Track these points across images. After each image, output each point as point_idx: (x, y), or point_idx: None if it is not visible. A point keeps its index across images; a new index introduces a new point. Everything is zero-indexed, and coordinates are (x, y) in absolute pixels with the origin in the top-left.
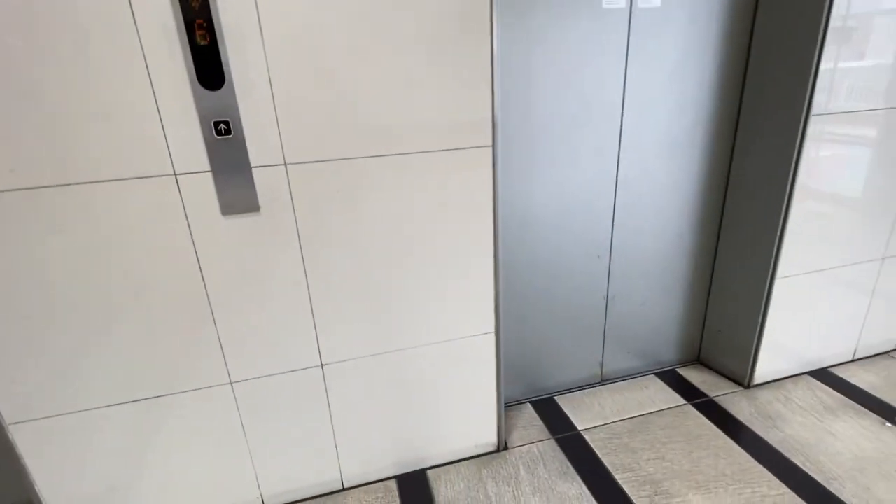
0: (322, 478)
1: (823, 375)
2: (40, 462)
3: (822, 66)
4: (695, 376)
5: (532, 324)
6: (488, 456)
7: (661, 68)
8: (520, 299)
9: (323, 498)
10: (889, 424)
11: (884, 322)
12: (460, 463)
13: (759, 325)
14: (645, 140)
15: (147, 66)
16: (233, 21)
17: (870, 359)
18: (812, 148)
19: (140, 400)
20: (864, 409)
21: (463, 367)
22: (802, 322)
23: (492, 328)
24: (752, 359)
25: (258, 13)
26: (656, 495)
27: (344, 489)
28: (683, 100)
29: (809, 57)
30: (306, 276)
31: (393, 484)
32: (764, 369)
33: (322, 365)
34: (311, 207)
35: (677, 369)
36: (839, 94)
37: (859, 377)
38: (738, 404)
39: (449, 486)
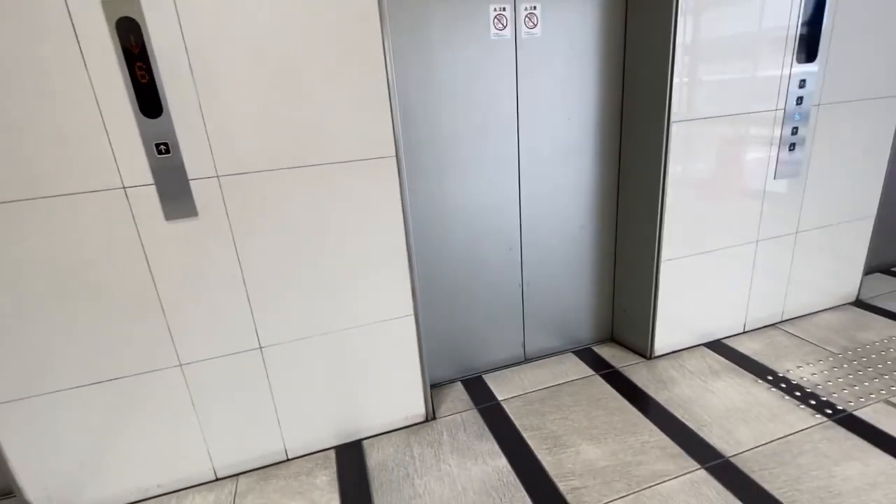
0: (268, 450)
1: (716, 346)
2: (14, 444)
3: (675, 82)
4: (606, 352)
5: (457, 311)
6: (417, 426)
7: (547, 86)
8: (444, 289)
9: (269, 468)
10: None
11: (766, 297)
12: (392, 433)
13: (653, 303)
14: (541, 147)
15: (97, 100)
16: (167, 63)
17: (758, 330)
18: (676, 149)
19: (101, 382)
20: (743, 370)
21: (388, 347)
22: (692, 299)
23: (411, 312)
24: (650, 333)
25: (188, 58)
26: (555, 447)
27: (288, 459)
28: (570, 112)
29: (664, 74)
30: (241, 270)
31: (332, 453)
32: (662, 342)
33: (261, 348)
34: (242, 211)
35: (592, 347)
36: (692, 104)
37: (746, 346)
38: (639, 373)
39: (380, 452)
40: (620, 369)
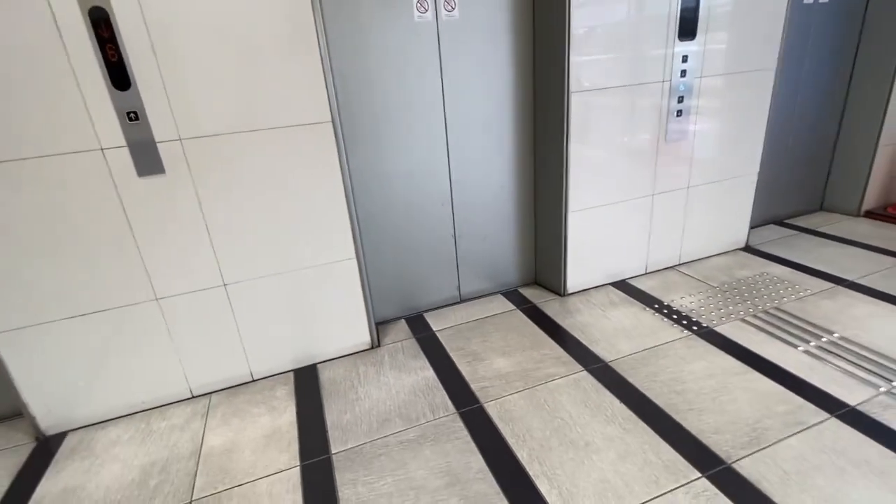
0: (235, 372)
1: (620, 284)
2: (19, 367)
3: (572, 59)
4: (529, 292)
5: (400, 258)
6: (364, 352)
7: (467, 64)
8: (387, 239)
9: (237, 387)
10: None
11: (664, 243)
12: (342, 358)
13: (563, 249)
14: (464, 119)
15: (76, 77)
16: (133, 44)
17: (658, 272)
18: (577, 116)
19: (90, 314)
20: (637, 301)
21: (335, 285)
22: (598, 245)
23: (353, 255)
24: (563, 274)
25: (150, 39)
26: (474, 361)
27: (253, 380)
28: (489, 88)
29: (562, 53)
30: (204, 218)
31: (291, 375)
32: (574, 281)
33: (224, 285)
34: (203, 168)
35: (518, 289)
36: (586, 77)
37: (644, 283)
38: (552, 306)
39: (331, 371)
40: (538, 304)
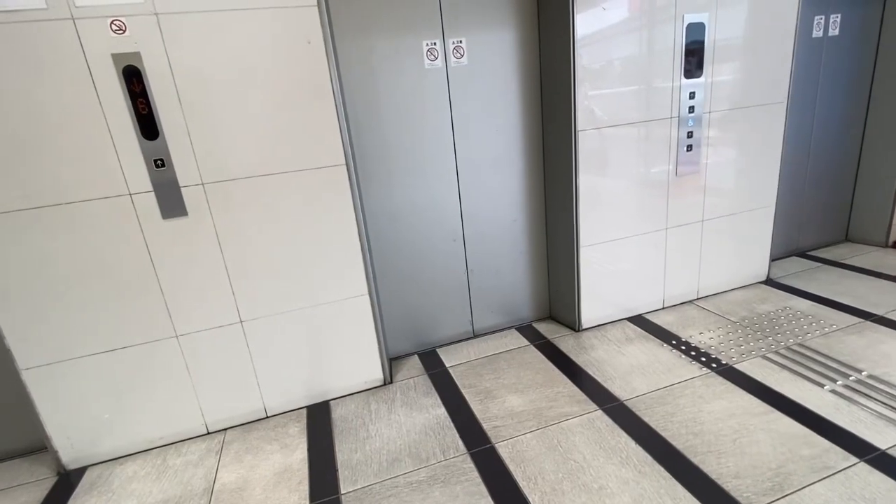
0: (250, 408)
1: (637, 319)
2: (44, 401)
3: (578, 97)
4: (544, 327)
5: (412, 294)
6: (376, 389)
7: (476, 105)
8: (399, 276)
9: (252, 423)
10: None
11: (680, 278)
12: (355, 394)
13: (577, 283)
14: (474, 157)
15: (108, 128)
16: (161, 98)
17: (675, 306)
18: (585, 153)
19: (113, 350)
20: (653, 337)
21: (348, 321)
22: (612, 280)
23: (365, 291)
24: (577, 309)
25: (178, 94)
26: (486, 398)
27: (267, 417)
28: (498, 126)
29: (568, 91)
30: (223, 257)
31: (304, 411)
32: (588, 316)
33: (241, 321)
34: (223, 211)
35: (533, 323)
36: (593, 114)
37: (661, 318)
38: (567, 342)
39: (343, 408)
40: (552, 340)
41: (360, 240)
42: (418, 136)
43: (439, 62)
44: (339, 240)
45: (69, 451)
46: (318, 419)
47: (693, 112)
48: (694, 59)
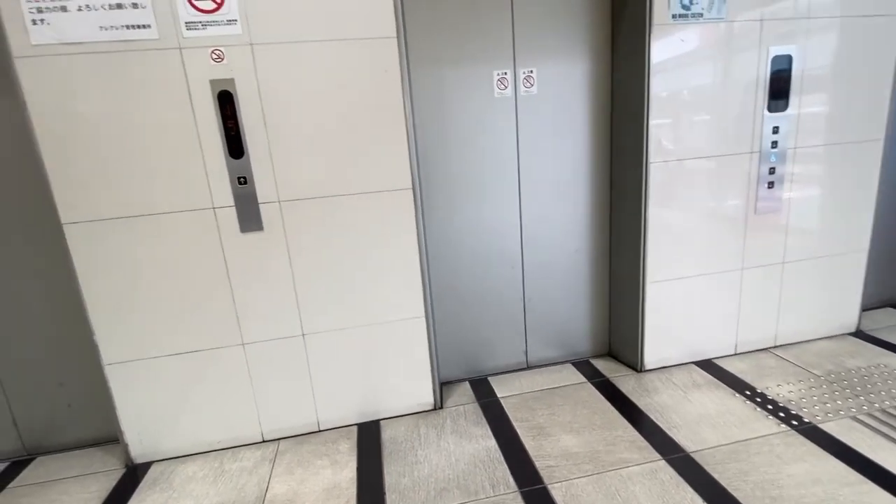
0: (304, 420)
1: (705, 364)
2: (121, 396)
3: (651, 127)
4: (602, 364)
5: (467, 320)
6: (426, 413)
7: (543, 133)
8: (455, 300)
9: (304, 435)
10: None
11: (756, 322)
12: (405, 416)
13: (641, 321)
14: (538, 185)
15: (201, 145)
16: (249, 120)
17: (749, 353)
18: (655, 186)
19: (184, 353)
20: (724, 385)
21: (403, 342)
22: (679, 319)
23: (422, 314)
24: (640, 348)
25: (264, 117)
26: (539, 435)
27: (320, 431)
28: (564, 153)
29: (641, 121)
30: (292, 272)
31: (354, 428)
32: (652, 357)
33: (303, 334)
34: (295, 227)
35: (590, 359)
36: (666, 145)
37: (733, 365)
38: (627, 382)
39: (393, 429)
40: (611, 378)
41: (421, 262)
42: (483, 162)
43: (509, 91)
44: (400, 261)
45: (137, 446)
46: (368, 438)
47: (776, 147)
48: (779, 91)
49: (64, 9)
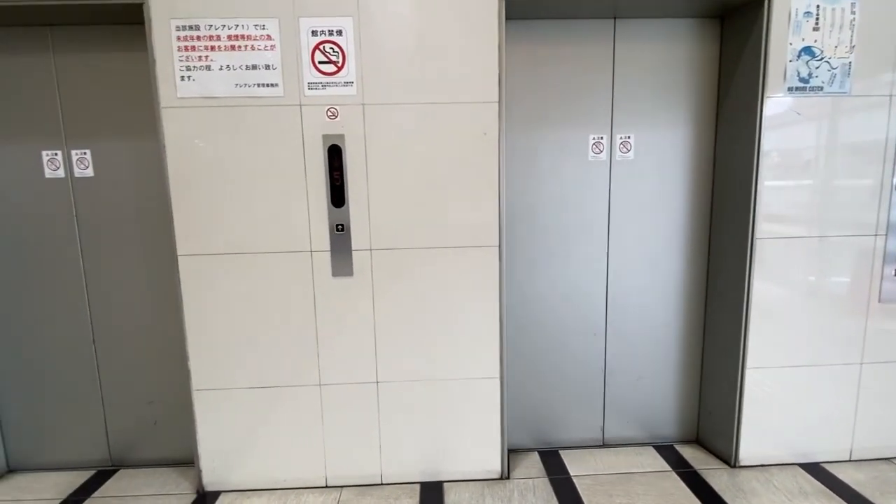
0: (368, 471)
1: (813, 468)
2: (203, 422)
3: (759, 198)
4: (689, 453)
5: (541, 385)
6: (492, 481)
7: (637, 199)
8: (529, 363)
9: (367, 486)
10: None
11: (879, 427)
12: (469, 482)
13: (738, 409)
14: (628, 250)
15: (307, 194)
16: (353, 171)
17: (869, 462)
18: (762, 264)
19: (265, 387)
20: (838, 498)
21: (475, 402)
22: (783, 413)
23: (497, 375)
24: (735, 441)
25: (367, 170)
26: None
27: (382, 484)
28: (658, 222)
29: (748, 196)
30: (374, 319)
31: (417, 487)
32: (749, 452)
33: (377, 382)
34: (383, 275)
35: (675, 445)
36: (775, 220)
37: (848, 474)
38: (719, 478)
39: (456, 495)
40: (699, 471)
41: (500, 322)
42: (571, 225)
43: (604, 156)
44: (479, 318)
45: (210, 474)
46: (431, 501)
47: None
48: None
49: (208, 68)
